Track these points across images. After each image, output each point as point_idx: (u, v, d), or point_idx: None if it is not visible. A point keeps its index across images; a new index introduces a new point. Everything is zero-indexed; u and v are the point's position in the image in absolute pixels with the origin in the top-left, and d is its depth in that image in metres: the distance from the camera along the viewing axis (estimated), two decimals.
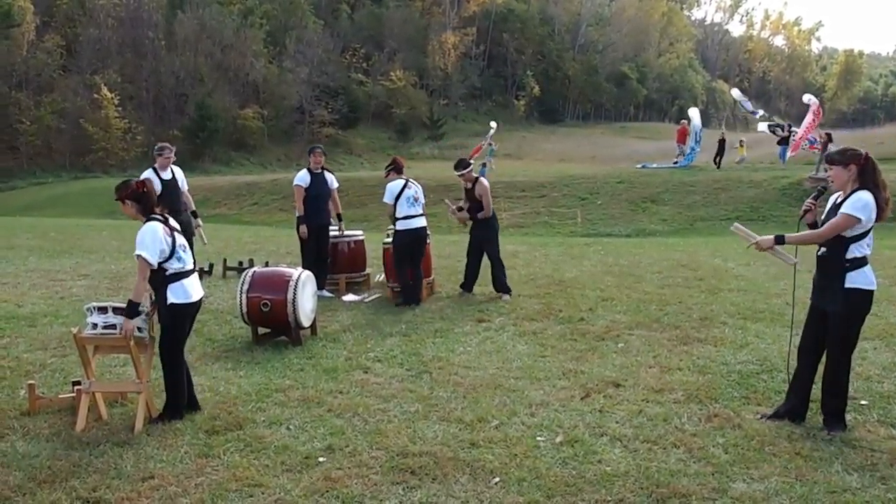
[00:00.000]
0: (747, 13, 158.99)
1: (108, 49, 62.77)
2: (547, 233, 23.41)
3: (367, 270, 10.65)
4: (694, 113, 33.55)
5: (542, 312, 8.63)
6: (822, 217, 5.01)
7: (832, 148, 27.03)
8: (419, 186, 9.46)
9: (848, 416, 5.25)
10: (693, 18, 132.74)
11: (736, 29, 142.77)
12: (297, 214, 9.69)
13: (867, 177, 4.86)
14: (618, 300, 9.29)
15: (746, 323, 8.06)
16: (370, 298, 9.68)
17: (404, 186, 9.22)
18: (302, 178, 9.67)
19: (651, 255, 13.76)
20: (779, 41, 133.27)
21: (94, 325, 5.08)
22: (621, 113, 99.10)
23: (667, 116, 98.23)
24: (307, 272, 7.59)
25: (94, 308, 5.13)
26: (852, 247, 4.84)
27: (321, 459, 4.57)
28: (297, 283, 7.23)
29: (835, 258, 4.90)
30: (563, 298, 9.41)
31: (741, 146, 40.19)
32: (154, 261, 4.99)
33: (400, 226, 9.18)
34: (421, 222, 9.29)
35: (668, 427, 5.07)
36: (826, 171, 4.97)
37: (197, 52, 66.53)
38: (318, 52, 70.48)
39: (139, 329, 5.11)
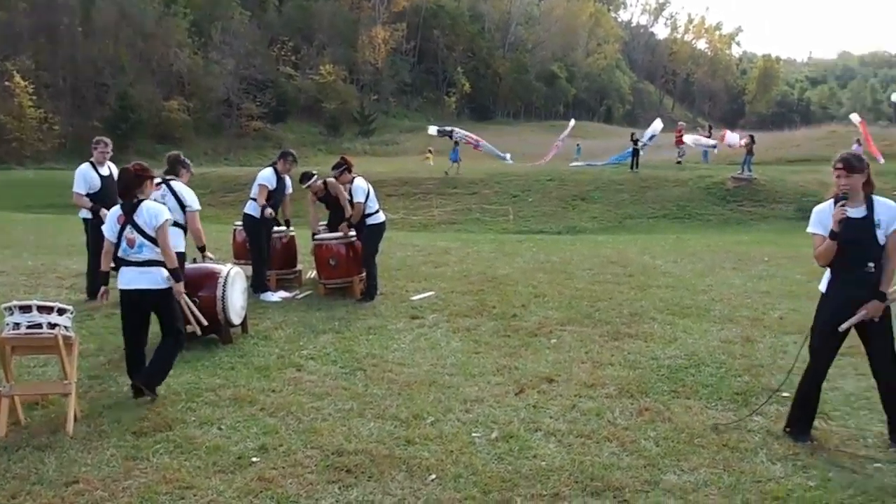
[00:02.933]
0: (671, 16, 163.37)
1: (19, 34, 60.19)
2: (479, 230, 23.55)
3: (299, 267, 10.51)
4: (657, 124, 34.66)
5: (475, 309, 8.66)
6: (837, 229, 4.64)
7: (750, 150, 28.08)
8: None
9: (772, 408, 5.42)
10: (620, 20, 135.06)
11: (661, 32, 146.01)
12: (255, 210, 9.38)
13: (870, 181, 4.76)
14: (550, 297, 9.38)
15: (675, 318, 8.23)
16: (302, 295, 9.56)
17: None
18: (268, 178, 9.44)
19: (582, 252, 13.96)
20: (701, 45, 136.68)
21: (17, 325, 4.87)
22: (551, 111, 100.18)
23: (595, 115, 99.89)
24: (237, 268, 7.43)
25: (15, 307, 4.92)
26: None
27: (254, 459, 4.49)
28: (226, 280, 7.06)
29: (879, 270, 4.70)
30: (496, 295, 9.46)
31: (429, 154, 41.09)
32: (109, 236, 5.50)
33: (373, 220, 9.27)
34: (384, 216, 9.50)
35: (600, 421, 5.15)
36: (840, 177, 4.68)
37: (117, 39, 64.56)
38: (246, 43, 69.26)
39: (65, 328, 4.94)
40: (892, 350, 4.75)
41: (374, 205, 9.30)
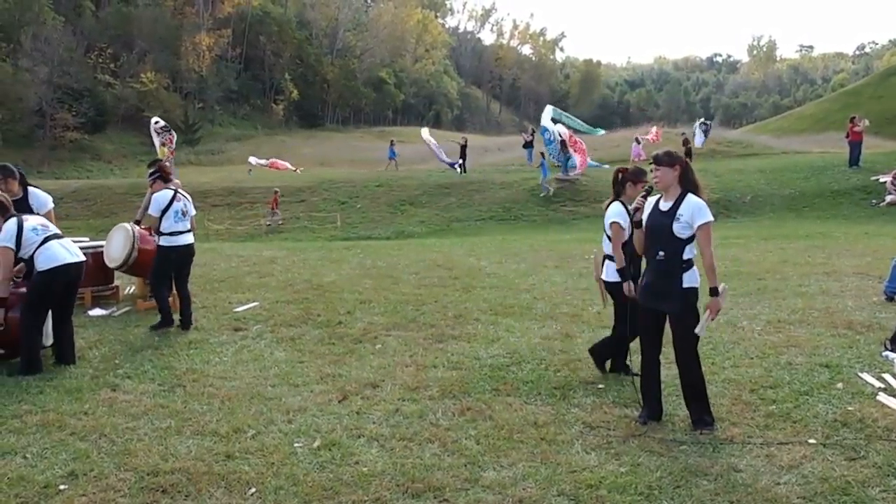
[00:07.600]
0: (497, 23, 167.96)
1: None
2: (307, 238, 23.28)
3: (116, 283, 9.94)
4: (547, 111, 29.97)
5: (299, 318, 8.52)
6: (644, 218, 5.11)
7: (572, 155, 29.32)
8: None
9: (588, 399, 5.65)
10: (447, 26, 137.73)
11: (487, 37, 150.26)
12: None
13: (689, 178, 5.04)
14: (376, 302, 9.39)
15: (497, 318, 8.44)
16: (119, 312, 9.06)
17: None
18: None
19: (409, 257, 14.07)
20: (526, 50, 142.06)
21: None
22: (380, 117, 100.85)
23: (424, 121, 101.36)
24: None
25: None
26: (687, 248, 4.98)
27: (62, 487, 4.21)
28: None
29: (674, 260, 4.97)
30: (322, 303, 9.35)
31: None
32: None
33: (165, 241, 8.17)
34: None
35: (423, 423, 5.18)
36: (652, 171, 5.06)
37: None
38: (59, 50, 64.60)
39: None
40: (695, 346, 5.08)
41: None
